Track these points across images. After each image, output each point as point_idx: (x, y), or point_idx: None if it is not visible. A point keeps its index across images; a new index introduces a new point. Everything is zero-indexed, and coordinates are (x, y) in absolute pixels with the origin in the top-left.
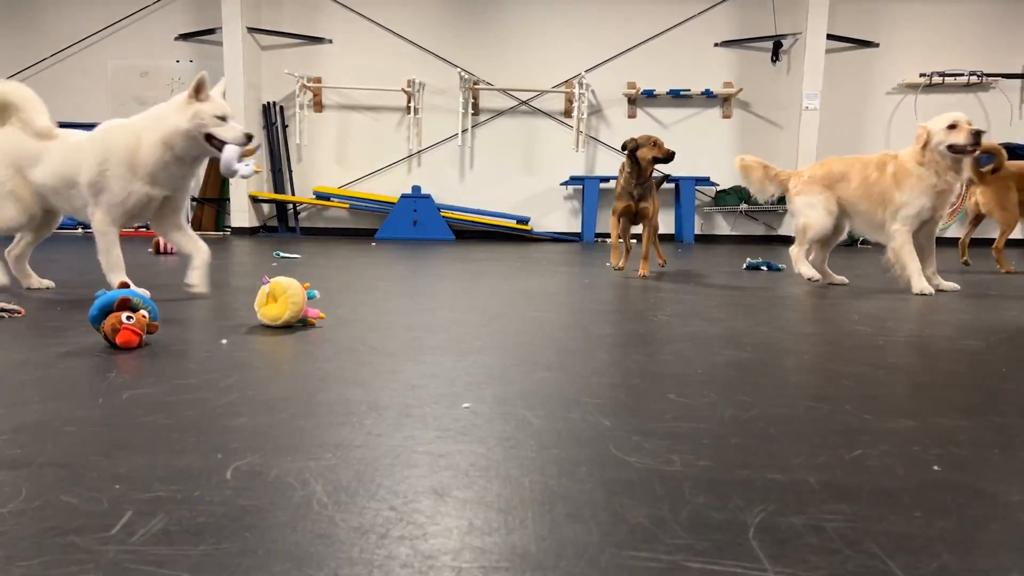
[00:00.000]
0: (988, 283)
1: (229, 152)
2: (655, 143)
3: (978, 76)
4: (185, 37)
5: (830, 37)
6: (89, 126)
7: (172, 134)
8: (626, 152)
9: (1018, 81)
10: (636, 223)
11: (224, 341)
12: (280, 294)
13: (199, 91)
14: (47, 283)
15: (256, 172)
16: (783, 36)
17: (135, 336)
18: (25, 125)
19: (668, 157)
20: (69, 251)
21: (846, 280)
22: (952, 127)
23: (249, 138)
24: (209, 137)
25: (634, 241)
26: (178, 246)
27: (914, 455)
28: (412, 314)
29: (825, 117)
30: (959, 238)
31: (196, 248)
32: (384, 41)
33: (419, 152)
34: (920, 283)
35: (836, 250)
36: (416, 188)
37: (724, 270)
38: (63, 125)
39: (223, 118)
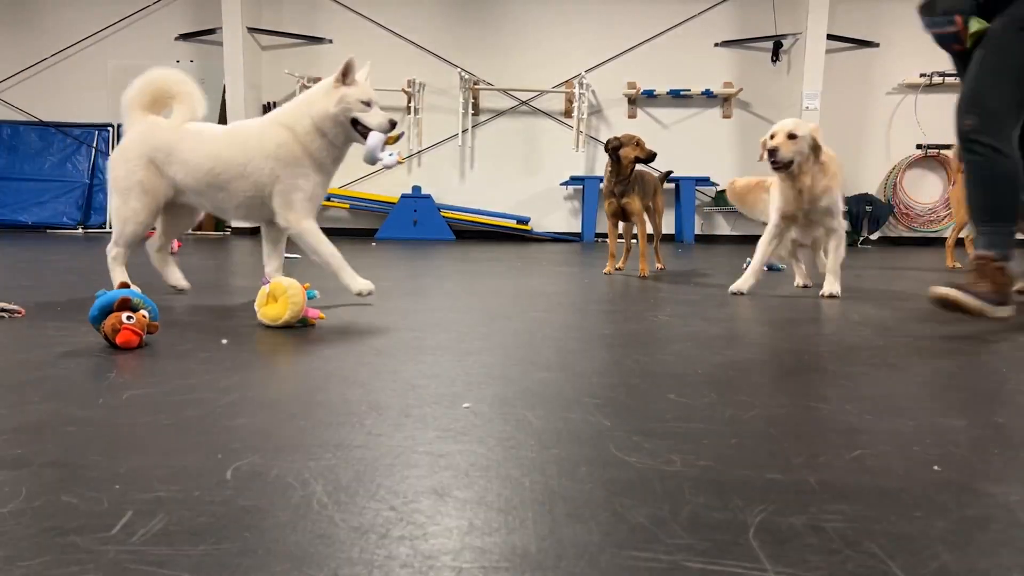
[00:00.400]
0: None
1: (374, 139)
2: (637, 143)
3: None
4: (185, 37)
5: (830, 37)
6: (90, 126)
7: (322, 119)
8: (608, 151)
9: None
10: (628, 220)
11: (224, 341)
12: (280, 294)
13: (346, 75)
14: (185, 285)
15: (400, 163)
16: (783, 36)
17: (135, 336)
18: (179, 114)
19: (650, 157)
20: (69, 251)
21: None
22: (772, 137)
23: (393, 125)
24: (354, 123)
25: (635, 241)
26: (267, 247)
27: (914, 455)
28: (412, 314)
29: (825, 117)
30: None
31: (276, 256)
32: (384, 41)
33: (419, 152)
34: (744, 283)
35: None
36: (416, 188)
37: (724, 270)
38: (64, 125)
39: (368, 103)
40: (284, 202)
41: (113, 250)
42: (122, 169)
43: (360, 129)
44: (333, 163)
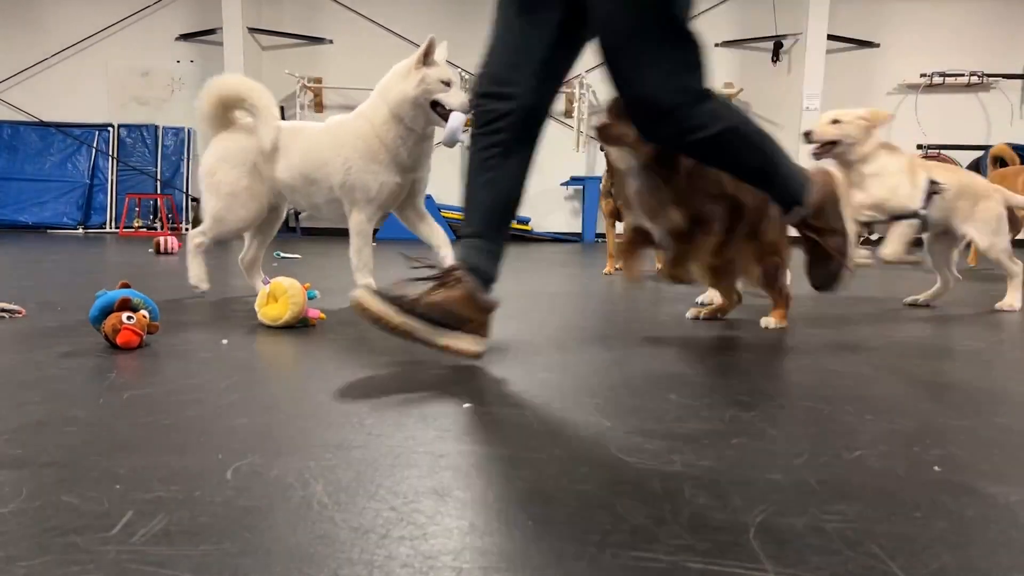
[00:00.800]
0: (989, 283)
1: (455, 121)
2: None
3: (978, 76)
4: (185, 37)
5: (830, 37)
6: (90, 126)
7: (400, 103)
8: (605, 152)
9: (1018, 81)
10: (623, 220)
11: (224, 341)
12: (280, 294)
13: (428, 55)
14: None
15: None
16: (783, 36)
17: (135, 336)
18: (255, 128)
19: None
20: (69, 251)
21: None
22: None
23: None
24: (434, 104)
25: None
26: (420, 234)
27: (914, 455)
28: None
29: None
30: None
31: (436, 234)
32: (384, 41)
33: None
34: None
35: None
36: None
37: None
38: (64, 125)
39: (448, 84)
40: (346, 195)
41: (199, 238)
42: (228, 175)
43: (439, 111)
44: (410, 156)
